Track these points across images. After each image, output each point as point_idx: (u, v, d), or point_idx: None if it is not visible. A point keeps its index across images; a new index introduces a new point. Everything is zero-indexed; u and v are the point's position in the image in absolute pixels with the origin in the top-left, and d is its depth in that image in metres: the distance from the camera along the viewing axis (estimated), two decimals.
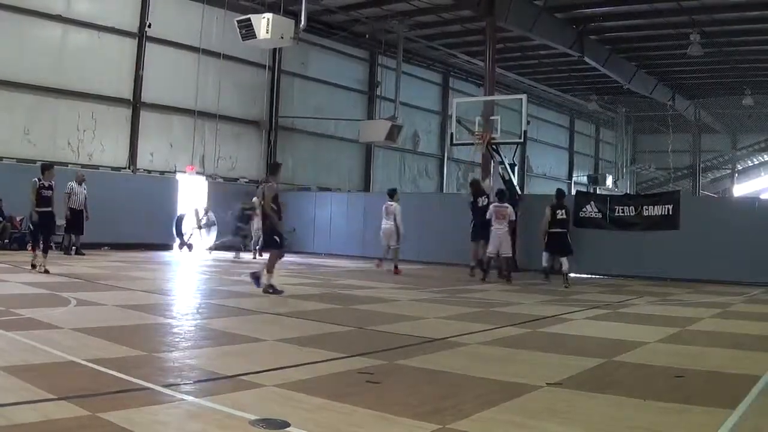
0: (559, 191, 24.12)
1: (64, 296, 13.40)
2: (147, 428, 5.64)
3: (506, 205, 22.87)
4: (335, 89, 41.84)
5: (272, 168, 18.30)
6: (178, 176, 33.22)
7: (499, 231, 22.35)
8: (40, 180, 18.91)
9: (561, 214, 22.43)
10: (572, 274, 22.78)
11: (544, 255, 23.15)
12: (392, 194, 25.85)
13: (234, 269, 23.26)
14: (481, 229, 23.78)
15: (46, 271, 17.74)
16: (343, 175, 42.33)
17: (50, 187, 19.19)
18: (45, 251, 18.48)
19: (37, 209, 18.65)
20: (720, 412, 6.75)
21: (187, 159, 33.86)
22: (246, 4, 33.81)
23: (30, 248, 19.42)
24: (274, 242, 17.08)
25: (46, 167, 19.55)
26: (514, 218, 22.97)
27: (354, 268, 26.40)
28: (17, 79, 27.96)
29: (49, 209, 19.09)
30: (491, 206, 22.86)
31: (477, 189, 25.26)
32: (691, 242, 24.25)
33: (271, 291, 15.96)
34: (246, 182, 36.45)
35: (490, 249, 22.53)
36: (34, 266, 18.26)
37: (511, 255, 23.07)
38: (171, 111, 33.49)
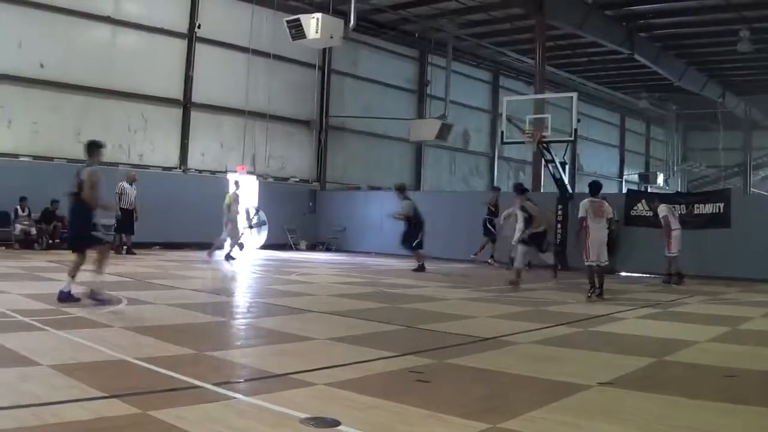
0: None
1: (115, 295, 13.47)
2: (198, 426, 5.67)
3: (602, 200, 18.19)
4: (385, 88, 41.86)
5: None
6: (229, 176, 33.34)
7: (598, 231, 17.48)
8: None
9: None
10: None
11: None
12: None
13: (284, 268, 23.29)
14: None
15: None
16: (394, 174, 42.20)
17: None
18: None
19: None
20: None
21: (238, 158, 34.02)
22: (295, 4, 33.91)
23: None
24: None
25: None
26: (612, 215, 18.63)
27: (404, 268, 26.37)
28: (68, 80, 28.24)
29: None
30: (586, 201, 17.79)
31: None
32: (743, 240, 24.00)
33: None
34: (296, 182, 36.57)
35: (593, 255, 17.35)
36: None
37: (607, 263, 17.87)
38: (221, 111, 33.66)
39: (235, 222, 26.12)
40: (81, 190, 13.16)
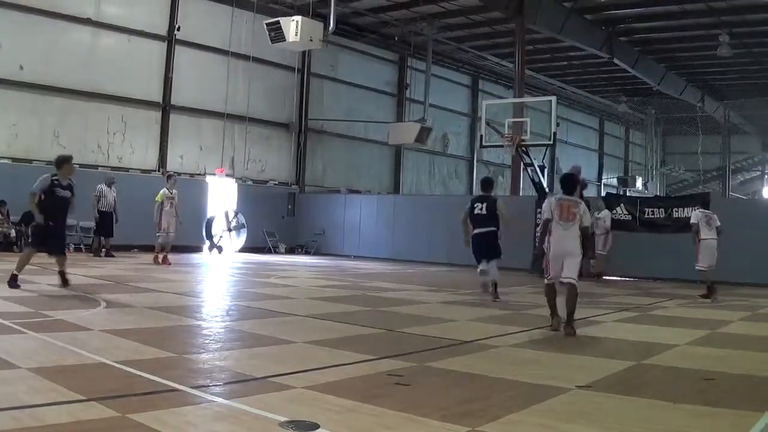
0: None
1: (94, 298, 13.45)
2: (177, 429, 5.65)
3: (577, 199, 13.27)
4: (365, 91, 41.87)
5: None
6: (208, 179, 33.30)
7: (564, 239, 12.48)
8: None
9: (480, 208, 17.17)
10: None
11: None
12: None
13: (264, 271, 23.25)
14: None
15: None
16: (373, 178, 42.39)
17: None
18: None
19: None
20: (750, 414, 6.72)
21: (217, 161, 33.98)
22: (275, 6, 33.90)
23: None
24: None
25: None
26: (588, 224, 12.89)
27: (383, 271, 26.39)
28: (47, 82, 28.15)
29: None
30: (553, 198, 12.98)
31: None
32: (721, 244, 24.08)
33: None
34: (275, 185, 36.54)
35: (553, 272, 12.58)
36: None
37: (576, 281, 12.43)
38: (200, 114, 33.63)
39: (161, 221, 24.53)
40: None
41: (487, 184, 17.63)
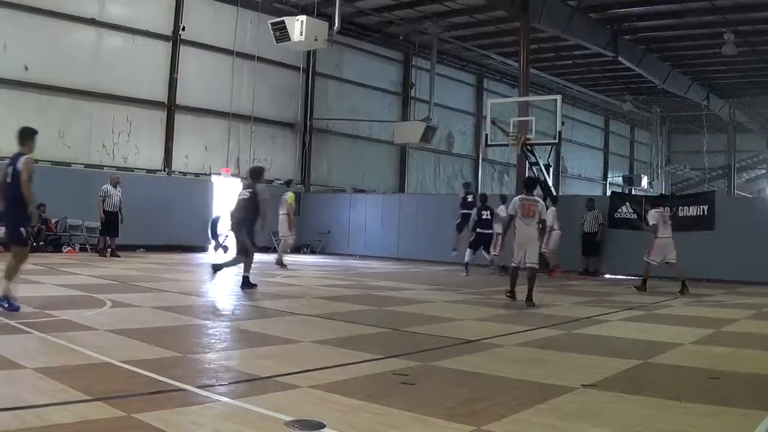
0: (482, 195, 27.23)
1: (100, 298, 13.46)
2: (182, 429, 5.66)
3: (536, 198, 16.71)
4: (369, 91, 41.86)
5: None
6: (213, 178, 33.28)
7: (525, 231, 16.05)
8: None
9: (486, 215, 25.54)
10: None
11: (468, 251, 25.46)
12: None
13: (269, 270, 23.25)
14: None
15: None
16: (378, 177, 42.35)
17: None
18: None
19: None
20: (756, 413, 6.71)
21: (222, 161, 33.98)
22: (280, 6, 33.89)
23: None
24: None
25: None
26: (545, 217, 16.71)
27: (388, 270, 26.37)
28: (52, 83, 28.13)
29: None
30: (517, 198, 16.58)
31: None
32: (727, 243, 24.06)
33: None
34: (281, 184, 36.55)
35: (517, 257, 16.22)
36: None
37: (537, 266, 16.42)
38: (206, 113, 33.61)
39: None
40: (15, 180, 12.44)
41: (485, 198, 26.36)
